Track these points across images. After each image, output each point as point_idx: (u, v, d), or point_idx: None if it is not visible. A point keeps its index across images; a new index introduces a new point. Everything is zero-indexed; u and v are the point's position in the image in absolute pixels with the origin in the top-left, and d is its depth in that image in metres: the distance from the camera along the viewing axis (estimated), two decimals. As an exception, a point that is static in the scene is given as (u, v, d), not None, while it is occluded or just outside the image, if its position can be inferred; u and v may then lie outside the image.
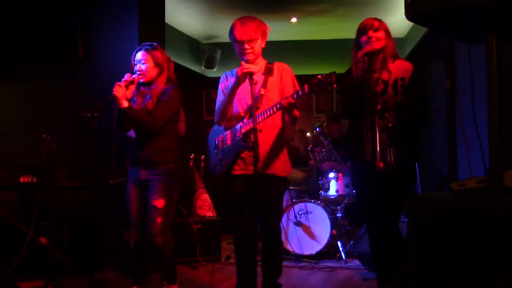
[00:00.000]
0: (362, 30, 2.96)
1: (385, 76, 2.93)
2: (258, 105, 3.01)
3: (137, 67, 3.27)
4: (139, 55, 3.30)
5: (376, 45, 2.90)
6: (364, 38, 2.94)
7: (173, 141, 3.34)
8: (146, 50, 3.30)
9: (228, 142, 3.14)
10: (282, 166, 3.11)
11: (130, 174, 3.34)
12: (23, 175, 4.08)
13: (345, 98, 3.06)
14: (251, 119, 2.96)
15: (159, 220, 3.19)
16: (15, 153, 4.78)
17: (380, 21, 2.97)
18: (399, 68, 2.95)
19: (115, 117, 3.14)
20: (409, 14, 1.81)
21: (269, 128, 3.06)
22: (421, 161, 3.18)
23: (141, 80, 3.25)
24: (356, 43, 2.98)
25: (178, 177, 3.34)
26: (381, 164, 2.74)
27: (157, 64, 3.30)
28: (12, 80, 5.08)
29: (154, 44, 3.36)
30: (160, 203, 3.20)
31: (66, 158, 3.92)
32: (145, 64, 3.27)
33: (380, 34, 2.93)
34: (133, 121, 3.23)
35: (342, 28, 7.05)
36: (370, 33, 2.92)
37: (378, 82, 2.93)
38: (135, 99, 3.32)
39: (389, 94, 2.90)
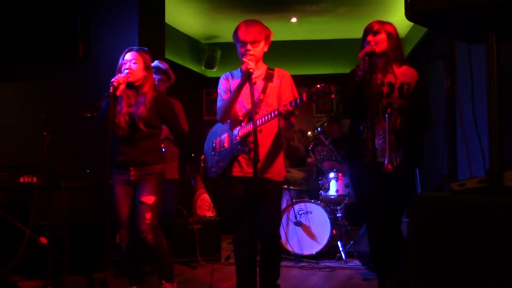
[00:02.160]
0: (364, 33, 2.95)
1: (390, 79, 2.93)
2: (257, 110, 3.01)
3: (126, 66, 3.27)
4: (129, 55, 3.31)
5: (375, 49, 2.87)
6: (365, 42, 2.94)
7: (159, 143, 3.40)
8: (138, 52, 3.33)
9: (226, 145, 3.16)
10: (278, 170, 3.12)
11: (116, 176, 3.34)
12: (23, 175, 4.08)
13: (345, 98, 3.07)
14: (249, 123, 2.99)
15: (148, 215, 3.21)
16: (15, 153, 4.78)
17: (382, 23, 2.94)
18: (405, 73, 2.95)
19: (101, 116, 3.15)
20: (409, 14, 1.81)
21: (266, 133, 3.07)
22: (421, 166, 3.18)
23: (128, 79, 3.25)
24: (361, 45, 2.97)
25: (165, 178, 3.42)
26: (390, 166, 2.74)
27: (146, 67, 3.34)
28: (12, 79, 5.08)
29: (145, 48, 3.40)
30: (150, 199, 3.24)
31: (66, 158, 3.91)
32: (135, 64, 3.28)
33: (380, 37, 2.90)
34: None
35: (342, 28, 7.04)
36: (369, 37, 2.91)
37: (384, 84, 2.93)
38: (120, 99, 3.30)
39: (394, 96, 2.90)
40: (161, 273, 3.35)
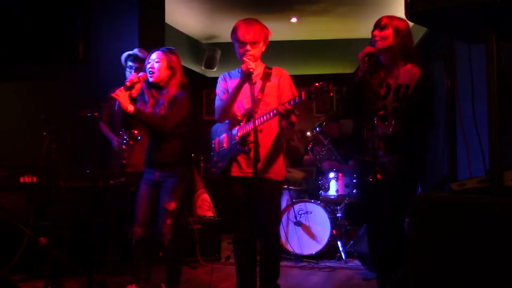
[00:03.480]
0: (373, 28, 2.91)
1: (391, 79, 2.89)
2: (256, 109, 3.00)
3: (149, 65, 3.28)
4: (154, 55, 3.32)
5: (380, 44, 2.84)
6: (372, 37, 2.90)
7: (185, 144, 3.40)
8: (163, 51, 3.34)
9: (225, 145, 3.16)
10: (278, 170, 3.11)
11: (145, 174, 3.42)
12: (23, 175, 4.08)
13: (345, 98, 3.06)
14: (248, 123, 2.99)
15: (169, 221, 3.28)
16: (15, 153, 4.78)
17: (391, 18, 2.89)
18: (407, 73, 2.88)
19: (119, 117, 3.16)
20: (409, 14, 1.81)
21: (266, 132, 3.06)
22: (424, 170, 3.08)
23: (150, 79, 3.25)
24: (370, 40, 2.94)
25: (188, 178, 3.46)
26: (378, 176, 2.72)
27: (170, 66, 3.32)
28: (12, 79, 5.08)
29: (172, 48, 3.40)
30: (171, 205, 3.29)
31: (66, 158, 3.91)
32: (158, 63, 3.29)
33: (387, 32, 2.85)
34: (142, 124, 3.25)
35: (342, 28, 7.05)
36: (376, 32, 2.87)
37: (383, 85, 2.90)
38: (146, 99, 3.32)
39: (389, 99, 2.87)
40: (167, 276, 3.38)
